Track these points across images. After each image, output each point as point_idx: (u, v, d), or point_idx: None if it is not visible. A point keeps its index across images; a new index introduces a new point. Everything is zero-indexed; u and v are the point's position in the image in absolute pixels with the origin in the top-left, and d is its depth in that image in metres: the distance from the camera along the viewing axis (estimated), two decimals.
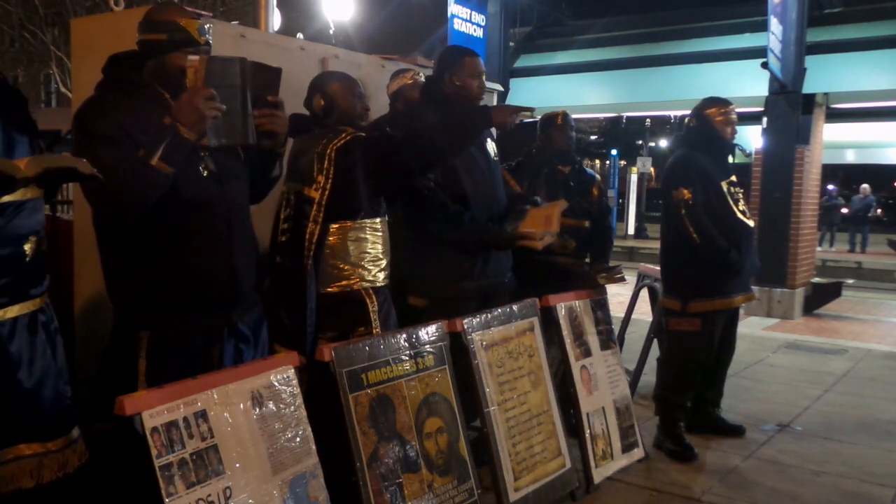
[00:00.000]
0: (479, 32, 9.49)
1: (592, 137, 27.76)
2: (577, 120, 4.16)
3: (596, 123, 26.54)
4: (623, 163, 27.30)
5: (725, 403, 4.43)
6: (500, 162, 3.50)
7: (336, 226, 2.69)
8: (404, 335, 2.74)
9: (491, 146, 3.34)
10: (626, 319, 5.35)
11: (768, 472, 3.77)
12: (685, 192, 3.76)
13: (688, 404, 4.04)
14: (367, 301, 2.74)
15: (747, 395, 5.13)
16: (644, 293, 5.16)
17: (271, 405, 2.22)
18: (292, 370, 2.32)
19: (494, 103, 5.81)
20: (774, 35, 7.29)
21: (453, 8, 8.95)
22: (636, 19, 10.62)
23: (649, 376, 4.69)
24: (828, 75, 8.33)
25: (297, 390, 2.32)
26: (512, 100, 10.54)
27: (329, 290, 2.71)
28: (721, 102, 3.97)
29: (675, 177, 3.86)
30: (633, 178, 23.40)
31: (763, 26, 7.37)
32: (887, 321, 8.69)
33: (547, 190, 3.82)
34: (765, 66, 7.32)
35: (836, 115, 9.31)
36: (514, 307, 3.23)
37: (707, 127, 3.92)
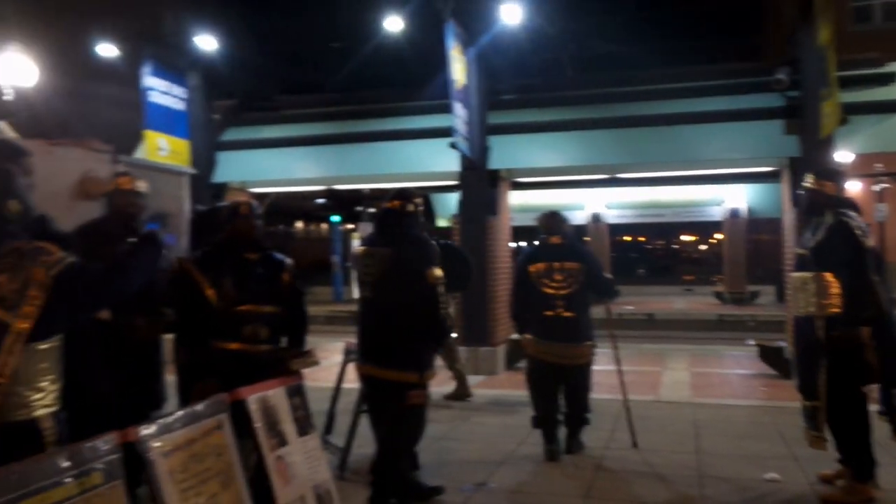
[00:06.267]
0: (181, 105, 9.25)
1: (320, 201, 27.88)
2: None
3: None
4: (347, 227, 27.97)
5: (431, 468, 4.66)
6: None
7: None
8: (66, 454, 2.50)
9: None
10: (336, 394, 5.43)
11: None
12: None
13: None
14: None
15: (451, 456, 5.41)
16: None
17: None
18: None
19: (185, 187, 5.65)
20: (460, 118, 8.02)
21: (149, 81, 8.63)
22: (339, 97, 11.07)
23: (364, 449, 4.74)
24: (508, 153, 9.32)
25: None
26: (222, 173, 10.33)
27: None
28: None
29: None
30: (356, 243, 24.05)
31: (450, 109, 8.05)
32: None
33: (233, 278, 3.76)
34: (454, 145, 8.00)
35: (520, 186, 10.40)
36: (200, 406, 3.10)
37: None
